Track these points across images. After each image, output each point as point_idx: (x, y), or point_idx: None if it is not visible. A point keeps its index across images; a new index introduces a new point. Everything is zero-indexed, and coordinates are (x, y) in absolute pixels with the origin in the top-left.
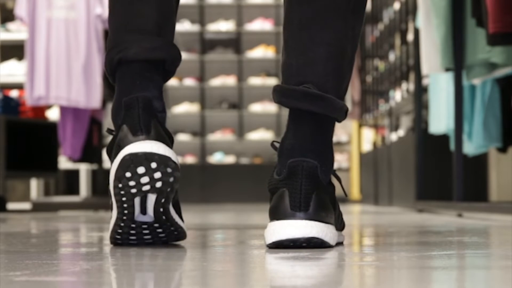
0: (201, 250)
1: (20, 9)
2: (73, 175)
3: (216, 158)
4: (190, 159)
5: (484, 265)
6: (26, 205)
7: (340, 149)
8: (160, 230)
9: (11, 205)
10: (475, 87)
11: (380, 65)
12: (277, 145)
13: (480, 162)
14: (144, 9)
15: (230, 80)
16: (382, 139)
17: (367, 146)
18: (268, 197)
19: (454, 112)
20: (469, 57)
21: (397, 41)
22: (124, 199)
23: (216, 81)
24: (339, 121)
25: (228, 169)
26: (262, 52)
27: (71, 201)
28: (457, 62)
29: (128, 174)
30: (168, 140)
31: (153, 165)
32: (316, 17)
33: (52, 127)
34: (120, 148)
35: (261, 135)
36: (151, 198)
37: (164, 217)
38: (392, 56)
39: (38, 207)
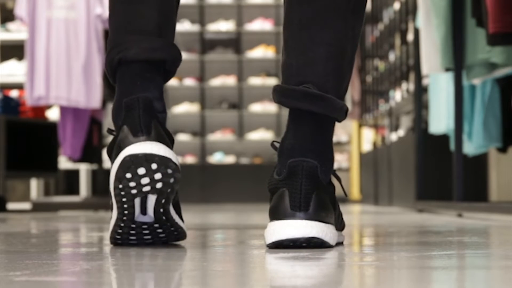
0: (201, 250)
1: (20, 9)
2: (73, 175)
3: (216, 158)
4: (190, 159)
5: (484, 265)
6: (26, 205)
7: (340, 149)
8: (160, 230)
9: (11, 205)
10: (475, 87)
11: (380, 65)
12: (277, 145)
13: (480, 162)
14: (145, 10)
15: (230, 80)
16: (382, 139)
17: (367, 146)
18: (268, 197)
19: (454, 112)
20: (469, 57)
21: (397, 41)
22: (124, 199)
23: (216, 81)
24: (339, 121)
25: (228, 169)
26: (262, 52)
27: (71, 201)
28: (457, 62)
29: (128, 175)
30: (168, 141)
31: (154, 166)
32: (316, 17)
33: (52, 127)
34: (121, 148)
35: (261, 135)
36: (151, 199)
37: (164, 218)
38: (392, 56)
39: (38, 207)
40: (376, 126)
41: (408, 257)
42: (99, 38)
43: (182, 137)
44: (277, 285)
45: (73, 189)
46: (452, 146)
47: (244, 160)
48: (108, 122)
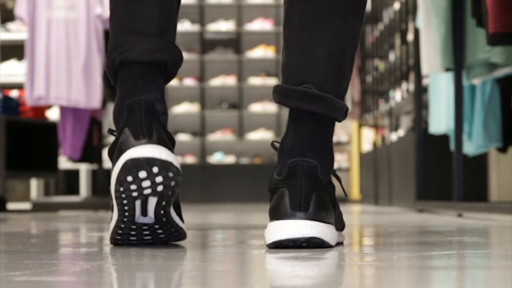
0: (201, 250)
1: (20, 9)
2: (73, 175)
3: (216, 158)
4: (190, 159)
5: (484, 265)
6: (26, 205)
7: (340, 149)
8: (160, 231)
9: (11, 205)
10: (475, 87)
11: (380, 65)
12: (277, 145)
13: (480, 162)
14: (146, 11)
15: (230, 80)
16: (382, 139)
17: (367, 146)
18: (268, 197)
19: (454, 112)
20: (469, 57)
21: (397, 41)
22: (125, 202)
23: (216, 81)
24: (339, 121)
25: (228, 169)
26: (262, 52)
27: (71, 201)
28: (457, 62)
29: (129, 178)
30: (169, 143)
31: (155, 169)
32: (316, 17)
33: (52, 127)
34: (122, 151)
35: (261, 135)
36: (152, 201)
37: (164, 219)
38: (392, 56)
39: (38, 207)
40: (376, 126)
41: (408, 257)
42: (99, 38)
43: (182, 137)
44: (277, 285)
45: (73, 189)
46: (452, 146)
47: (244, 160)
48: (108, 122)
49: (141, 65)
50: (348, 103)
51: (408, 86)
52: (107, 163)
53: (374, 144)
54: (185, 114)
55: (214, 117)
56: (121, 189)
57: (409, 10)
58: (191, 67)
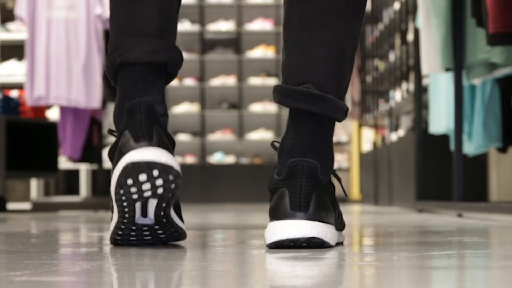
0: (201, 250)
1: (20, 9)
2: (73, 175)
3: (216, 158)
4: (190, 159)
5: (484, 265)
6: (26, 205)
7: (340, 149)
8: (160, 231)
9: (11, 205)
10: (475, 87)
11: (380, 65)
12: (277, 145)
13: (480, 162)
14: (146, 12)
15: (230, 80)
16: (382, 139)
17: (367, 146)
18: (268, 197)
19: (454, 112)
20: (469, 57)
21: (397, 41)
22: (125, 204)
23: (216, 81)
24: (339, 121)
25: (228, 169)
26: (262, 52)
27: (71, 201)
28: (457, 62)
29: (129, 181)
30: (170, 145)
31: (155, 172)
32: (316, 17)
33: (52, 127)
34: (122, 153)
35: (261, 135)
36: (152, 203)
37: (165, 220)
38: (392, 56)
39: (38, 207)
40: (376, 126)
41: (408, 257)
42: (99, 38)
43: (182, 137)
44: (277, 285)
45: (73, 189)
46: (452, 146)
47: (244, 160)
48: (108, 122)
49: (141, 66)
50: (348, 103)
51: (408, 86)
52: (107, 163)
53: (374, 144)
54: (185, 114)
55: (214, 117)
56: (121, 191)
57: (409, 10)
58: (191, 67)
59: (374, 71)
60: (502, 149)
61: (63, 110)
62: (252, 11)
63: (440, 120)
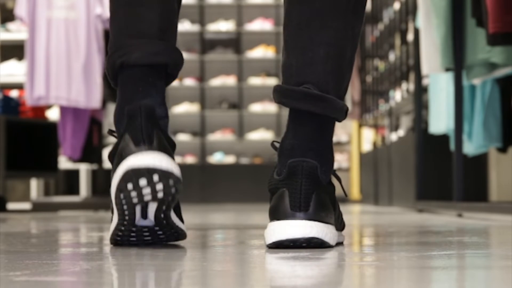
0: (201, 250)
1: (20, 9)
2: (73, 175)
3: (216, 158)
4: (190, 159)
5: (484, 265)
6: (26, 205)
7: (340, 149)
8: (160, 232)
9: (11, 205)
10: (475, 87)
11: (380, 65)
12: (277, 145)
13: (480, 162)
14: (146, 13)
15: (230, 80)
16: (382, 139)
17: (367, 146)
18: (268, 197)
19: (454, 112)
20: (469, 57)
21: (397, 41)
22: (125, 207)
23: (216, 81)
24: (339, 121)
25: (228, 169)
26: (262, 52)
27: (71, 201)
28: (457, 62)
29: (130, 186)
30: (170, 149)
31: (155, 177)
32: (316, 17)
33: (52, 127)
34: (122, 157)
35: (261, 135)
36: (152, 206)
37: (165, 222)
38: (392, 56)
39: (38, 207)
40: (376, 126)
41: (408, 257)
42: (99, 38)
43: (182, 137)
44: (277, 285)
45: (73, 189)
46: (452, 146)
47: (244, 160)
48: (108, 122)
49: (142, 68)
50: (348, 103)
51: (408, 86)
52: (107, 163)
53: (374, 144)
54: (185, 114)
55: (214, 117)
56: (121, 195)
57: (409, 10)
58: (191, 67)
59: (374, 71)
60: (502, 149)
61: (63, 110)
62: (252, 11)
63: (440, 120)
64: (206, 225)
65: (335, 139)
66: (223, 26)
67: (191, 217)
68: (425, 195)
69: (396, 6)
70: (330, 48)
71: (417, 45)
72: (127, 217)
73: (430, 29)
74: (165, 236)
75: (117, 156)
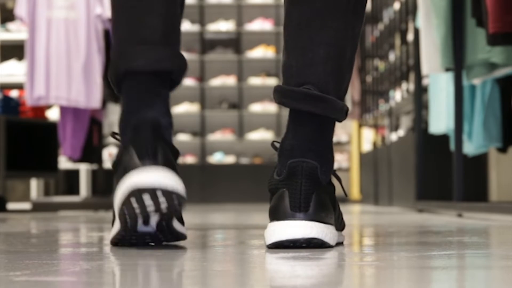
0: (201, 250)
1: (20, 9)
2: (73, 175)
3: (216, 158)
4: (190, 159)
5: (484, 265)
6: (26, 205)
7: (340, 149)
8: (161, 236)
9: (11, 205)
10: (475, 87)
11: (380, 65)
12: (277, 145)
13: (480, 162)
14: (150, 19)
15: (230, 80)
16: (382, 139)
17: (367, 146)
18: (268, 197)
19: (454, 112)
20: (469, 57)
21: (397, 41)
22: (128, 218)
23: (216, 81)
24: (340, 121)
25: (228, 169)
26: (262, 52)
27: (71, 201)
28: (457, 62)
29: (133, 200)
30: (174, 162)
31: (159, 193)
32: (316, 17)
33: (52, 127)
34: (126, 171)
35: (261, 135)
36: (155, 217)
37: (166, 228)
38: (392, 56)
39: (38, 207)
40: (376, 126)
41: (408, 257)
42: (99, 38)
43: (182, 137)
44: (277, 285)
45: (73, 189)
46: (452, 146)
47: (244, 160)
48: (108, 122)
49: (146, 75)
50: (348, 103)
51: (408, 86)
52: (107, 163)
53: (374, 144)
54: (185, 114)
55: (214, 117)
56: (125, 208)
57: (409, 10)
58: (191, 67)
59: (374, 71)
60: (502, 149)
61: (63, 110)
62: (252, 11)
63: (440, 120)
64: (206, 225)
65: (335, 139)
66: (223, 26)
67: (191, 217)
68: (425, 195)
69: (396, 6)
70: (330, 48)
71: (417, 45)
72: (129, 226)
73: (430, 29)
74: (166, 239)
75: (121, 168)
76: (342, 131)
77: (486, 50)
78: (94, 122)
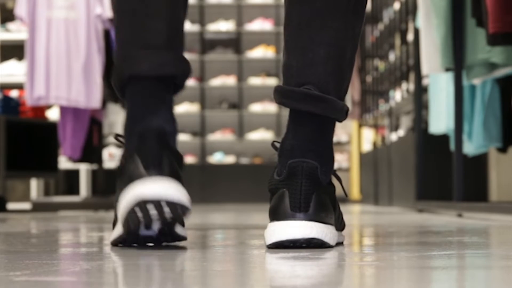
0: (201, 250)
1: (20, 9)
2: (73, 175)
3: (216, 158)
4: (190, 159)
5: (484, 265)
6: (26, 205)
7: (340, 149)
8: (163, 239)
9: (11, 205)
10: (475, 87)
11: (380, 65)
12: (278, 145)
13: (480, 162)
14: (153, 23)
15: (230, 80)
16: (382, 139)
17: (367, 146)
18: (268, 197)
19: (454, 112)
20: (469, 57)
21: (397, 41)
22: (130, 223)
23: (216, 81)
24: (340, 122)
25: (228, 169)
26: (262, 52)
27: (71, 201)
28: (457, 62)
29: (137, 209)
30: (179, 171)
31: (163, 203)
32: (316, 17)
33: (52, 127)
34: (131, 179)
35: (261, 135)
36: (157, 223)
37: (169, 233)
38: (392, 56)
39: (38, 207)
40: (376, 126)
41: (408, 257)
42: (99, 38)
43: (182, 137)
44: (277, 285)
45: (73, 189)
46: (452, 146)
47: (244, 160)
48: (108, 122)
49: (150, 80)
50: (348, 103)
51: (408, 86)
52: (107, 163)
53: (374, 144)
54: (185, 114)
55: (214, 117)
56: (128, 216)
57: (409, 10)
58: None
59: (374, 71)
60: (502, 149)
61: (63, 110)
62: (252, 11)
63: (440, 120)
64: (206, 225)
65: (335, 139)
66: (223, 26)
67: (191, 217)
68: (425, 195)
69: (396, 6)
70: (331, 48)
71: (417, 45)
72: (131, 230)
73: (430, 29)
74: (166, 241)
75: (125, 176)
76: (342, 131)
77: (486, 50)
78: (94, 122)
